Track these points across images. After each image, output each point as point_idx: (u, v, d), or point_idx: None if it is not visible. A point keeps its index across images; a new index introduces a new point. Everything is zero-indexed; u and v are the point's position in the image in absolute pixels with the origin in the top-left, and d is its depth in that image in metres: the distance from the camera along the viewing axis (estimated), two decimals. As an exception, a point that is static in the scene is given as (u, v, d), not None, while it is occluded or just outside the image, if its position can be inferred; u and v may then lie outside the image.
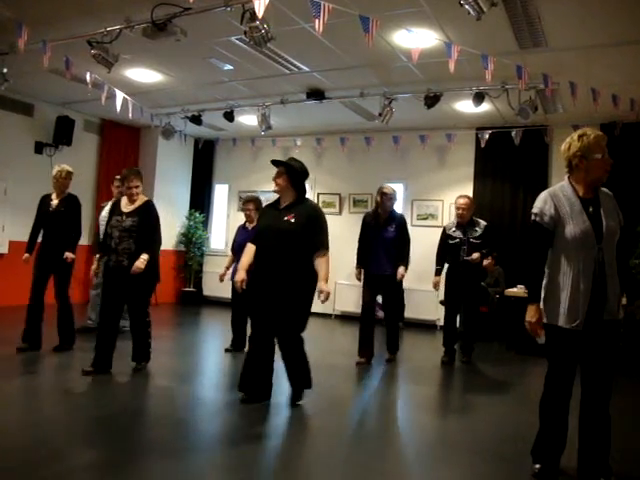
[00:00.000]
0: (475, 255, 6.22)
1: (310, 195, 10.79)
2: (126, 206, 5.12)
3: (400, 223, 6.22)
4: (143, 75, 7.55)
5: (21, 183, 8.47)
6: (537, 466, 3.12)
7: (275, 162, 4.39)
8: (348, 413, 4.48)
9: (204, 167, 11.51)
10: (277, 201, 4.46)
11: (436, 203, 9.62)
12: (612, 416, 3.03)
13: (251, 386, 4.34)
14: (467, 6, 4.24)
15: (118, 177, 7.02)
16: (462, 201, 6.44)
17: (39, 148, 9.11)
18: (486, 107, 7.60)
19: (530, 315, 3.06)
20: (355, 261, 6.37)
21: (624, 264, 3.14)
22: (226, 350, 6.39)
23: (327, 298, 4.11)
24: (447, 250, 6.45)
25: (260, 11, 4.23)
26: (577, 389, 3.08)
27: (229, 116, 8.56)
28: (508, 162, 8.93)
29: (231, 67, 7.02)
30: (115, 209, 5.18)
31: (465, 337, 6.55)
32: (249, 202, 6.52)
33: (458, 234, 6.40)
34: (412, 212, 9.77)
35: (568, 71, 6.15)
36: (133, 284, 4.97)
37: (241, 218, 11.31)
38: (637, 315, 3.12)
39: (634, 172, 7.86)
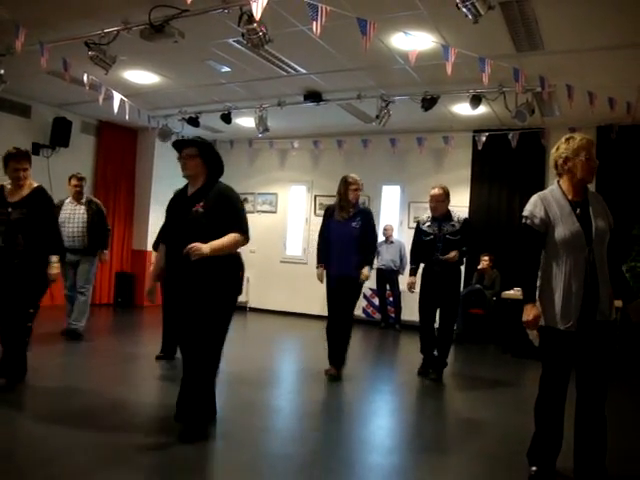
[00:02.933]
0: (452, 253, 5.54)
1: (307, 197, 10.82)
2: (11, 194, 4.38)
3: (366, 217, 5.52)
4: (140, 77, 7.55)
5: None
6: (533, 468, 3.12)
7: (182, 142, 3.69)
8: (337, 417, 4.48)
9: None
10: (185, 188, 3.76)
11: (433, 205, 9.61)
12: (608, 417, 3.03)
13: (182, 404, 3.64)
14: (464, 9, 4.25)
15: (76, 175, 6.90)
16: (435, 192, 5.73)
17: (36, 149, 9.08)
18: (483, 110, 7.61)
19: (527, 314, 3.06)
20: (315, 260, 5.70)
21: (617, 266, 3.18)
22: (157, 357, 5.80)
23: (193, 253, 3.29)
24: (421, 247, 5.78)
25: (258, 13, 4.23)
26: (573, 391, 3.08)
27: (226, 118, 8.56)
28: (505, 165, 8.94)
29: (228, 69, 7.02)
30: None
31: (439, 349, 5.75)
32: None
33: (433, 229, 5.71)
34: (409, 215, 9.79)
35: (565, 74, 6.17)
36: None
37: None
38: (632, 317, 3.10)
39: (630, 175, 7.88)
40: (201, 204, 3.51)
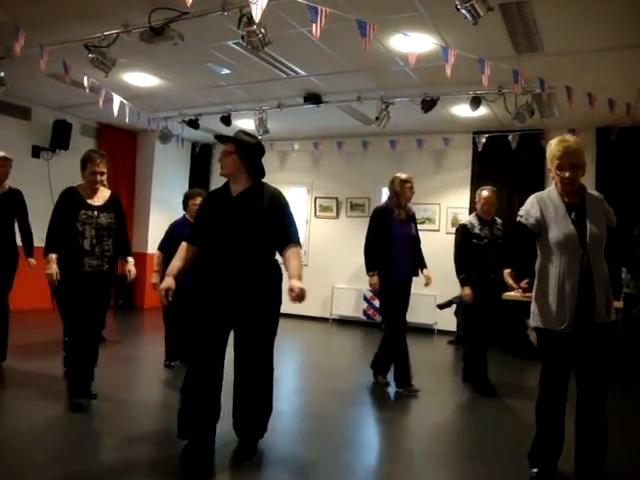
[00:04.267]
0: (467, 292, 5.27)
1: (307, 199, 10.82)
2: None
3: (415, 219, 5.47)
4: (140, 79, 7.55)
5: (18, 187, 8.45)
6: (534, 470, 3.12)
7: (220, 137, 3.53)
8: (337, 420, 4.47)
9: (201, 171, 11.47)
10: (226, 188, 3.52)
11: (433, 207, 9.62)
12: (609, 418, 3.03)
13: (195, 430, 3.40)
14: (464, 11, 4.25)
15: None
16: (487, 194, 5.50)
17: (36, 152, 9.10)
18: (483, 111, 7.62)
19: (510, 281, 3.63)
20: (365, 266, 5.28)
21: (618, 268, 3.21)
22: (166, 365, 5.76)
23: (300, 298, 3.21)
24: (474, 253, 5.34)
25: (257, 15, 4.24)
26: (575, 392, 3.08)
27: (226, 120, 8.56)
28: (505, 166, 8.94)
29: (228, 71, 7.03)
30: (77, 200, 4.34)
31: (468, 354, 5.63)
32: (197, 196, 5.63)
33: (486, 233, 5.41)
34: (409, 216, 9.78)
35: (564, 75, 6.17)
36: None
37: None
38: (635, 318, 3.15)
39: (630, 176, 7.88)
40: (255, 207, 3.36)
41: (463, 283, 5.31)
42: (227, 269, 3.33)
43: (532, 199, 3.18)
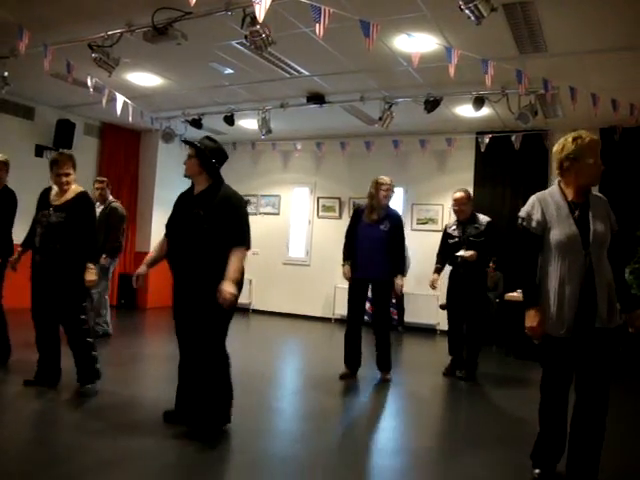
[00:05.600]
0: (469, 252, 5.70)
1: (310, 199, 10.83)
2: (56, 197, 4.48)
3: (395, 220, 5.55)
4: (144, 79, 7.56)
5: (21, 186, 8.44)
6: (537, 471, 3.11)
7: (184, 142, 3.97)
8: (340, 419, 4.47)
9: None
10: (192, 187, 3.82)
11: (436, 207, 9.62)
12: (611, 424, 2.99)
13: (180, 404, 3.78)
14: (467, 11, 4.25)
15: (98, 178, 7.18)
16: (457, 195, 5.89)
17: (39, 151, 9.12)
18: (486, 111, 7.61)
19: (530, 320, 2.93)
20: (342, 258, 5.67)
21: (619, 271, 3.04)
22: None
23: (225, 301, 3.38)
24: (447, 250, 5.97)
25: (261, 15, 4.24)
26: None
27: (229, 120, 8.56)
28: (508, 166, 8.94)
29: (231, 71, 7.03)
30: (44, 200, 4.51)
31: (467, 351, 5.99)
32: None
33: (457, 232, 5.91)
34: (412, 216, 9.78)
35: (568, 76, 6.16)
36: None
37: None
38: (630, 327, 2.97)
39: (633, 176, 7.87)
40: (203, 207, 3.55)
41: (434, 271, 6.07)
42: (176, 262, 3.66)
43: (532, 200, 3.05)
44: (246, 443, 3.60)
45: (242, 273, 3.62)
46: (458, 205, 5.88)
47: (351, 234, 5.62)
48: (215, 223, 3.51)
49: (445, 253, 6.03)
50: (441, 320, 9.11)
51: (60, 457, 3.17)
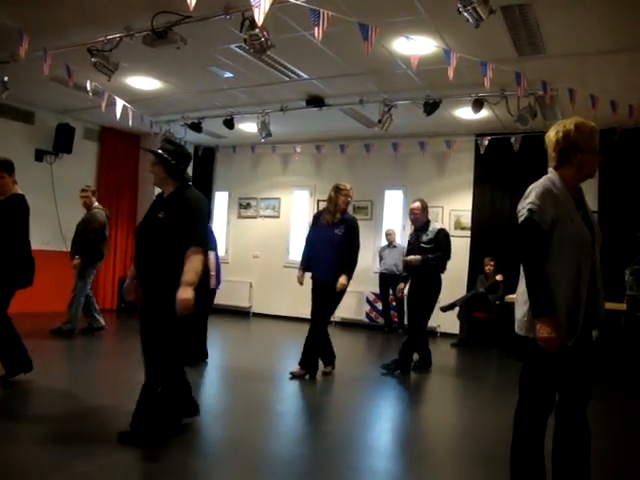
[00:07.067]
0: (410, 257, 6.04)
1: (310, 202, 10.83)
2: None
3: (350, 225, 5.62)
4: (143, 83, 7.57)
5: (21, 190, 8.50)
6: None
7: (148, 151, 3.80)
8: (339, 421, 4.47)
9: (204, 174, 11.48)
10: (161, 193, 3.77)
11: (436, 209, 9.59)
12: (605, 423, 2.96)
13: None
14: (466, 14, 4.26)
15: (83, 187, 7.50)
16: (413, 205, 6.20)
17: (39, 156, 9.13)
18: (485, 114, 7.62)
19: (547, 330, 2.44)
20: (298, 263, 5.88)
21: (620, 271, 2.85)
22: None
23: (184, 311, 3.31)
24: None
25: (260, 19, 4.24)
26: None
27: (229, 123, 8.58)
28: (507, 168, 8.94)
29: (231, 75, 7.05)
30: None
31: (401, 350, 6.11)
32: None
33: (411, 239, 6.31)
34: (412, 219, 9.78)
35: (566, 78, 6.17)
36: None
37: (242, 225, 11.39)
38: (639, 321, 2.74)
39: (633, 177, 7.87)
40: (165, 210, 3.52)
41: (400, 279, 6.59)
42: (138, 266, 3.63)
43: (540, 190, 2.60)
44: (246, 445, 3.59)
45: (203, 273, 3.53)
46: (413, 214, 6.20)
47: (308, 239, 5.82)
48: (174, 226, 3.45)
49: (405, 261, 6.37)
50: (442, 322, 9.12)
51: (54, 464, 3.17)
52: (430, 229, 6.13)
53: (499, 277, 8.41)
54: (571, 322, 2.51)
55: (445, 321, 9.02)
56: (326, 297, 5.59)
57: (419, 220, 6.20)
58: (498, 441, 3.93)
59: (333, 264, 5.50)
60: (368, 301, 9.81)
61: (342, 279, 5.45)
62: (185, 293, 3.29)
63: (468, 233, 9.28)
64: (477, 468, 3.44)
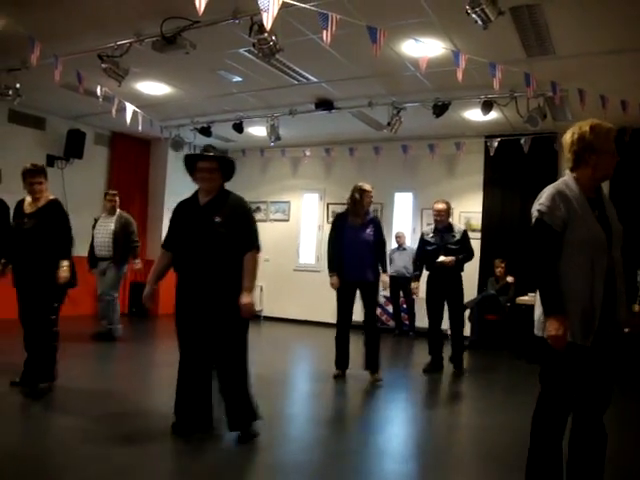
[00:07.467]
0: (448, 259, 6.11)
1: (320, 205, 10.84)
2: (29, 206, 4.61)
3: (377, 224, 5.82)
4: (153, 88, 7.62)
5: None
6: None
7: (206, 156, 3.70)
8: (351, 425, 4.46)
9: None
10: (195, 197, 3.76)
11: (446, 212, 9.59)
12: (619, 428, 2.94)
13: (187, 413, 3.71)
14: (474, 15, 4.25)
15: (111, 192, 7.65)
16: (440, 207, 6.31)
17: (50, 161, 9.20)
18: (495, 115, 7.60)
19: (556, 329, 2.49)
20: (327, 268, 5.75)
21: (631, 274, 2.84)
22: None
23: (248, 314, 3.55)
24: (424, 256, 6.35)
25: (268, 23, 4.25)
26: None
27: (238, 127, 8.61)
28: (517, 170, 8.91)
29: (240, 79, 7.07)
30: (18, 210, 4.65)
31: (454, 348, 6.45)
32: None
33: (435, 240, 6.29)
34: (422, 221, 9.76)
35: (576, 78, 6.14)
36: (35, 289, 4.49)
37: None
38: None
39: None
40: (219, 214, 3.57)
41: (413, 279, 6.58)
42: (193, 272, 3.63)
43: (551, 192, 2.64)
44: (259, 449, 3.60)
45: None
46: (439, 215, 6.31)
47: (336, 242, 5.73)
48: (231, 228, 3.56)
49: (422, 260, 6.42)
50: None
51: (75, 465, 3.19)
52: (456, 230, 6.35)
53: (510, 279, 8.38)
54: (586, 323, 2.52)
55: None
56: (369, 297, 5.69)
57: (444, 221, 6.33)
58: (511, 443, 3.92)
59: (372, 264, 5.65)
60: (379, 304, 9.79)
61: (385, 277, 5.77)
62: (248, 298, 3.52)
63: (478, 235, 9.24)
64: (490, 470, 3.41)
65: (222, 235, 3.54)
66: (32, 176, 4.55)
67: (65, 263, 4.53)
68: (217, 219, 3.55)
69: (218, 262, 3.56)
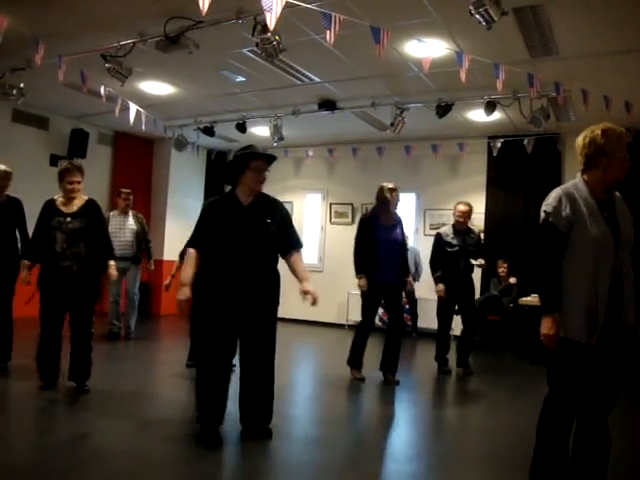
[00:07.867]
0: (484, 262, 6.29)
1: (323, 205, 10.85)
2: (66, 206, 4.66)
3: (402, 224, 5.87)
4: (156, 88, 7.63)
5: (36, 195, 8.54)
6: None
7: (268, 156, 3.79)
8: (355, 425, 4.46)
9: (217, 178, 11.48)
10: (233, 197, 3.75)
11: (449, 212, 9.46)
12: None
13: (214, 419, 3.67)
14: (477, 15, 4.25)
15: (125, 190, 7.71)
16: (463, 208, 6.31)
17: (54, 161, 9.21)
18: (498, 116, 7.58)
19: (548, 327, 2.59)
20: (355, 270, 5.69)
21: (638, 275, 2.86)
22: (187, 365, 5.82)
23: (316, 300, 3.73)
24: (444, 257, 6.23)
25: (271, 23, 4.26)
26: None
27: (241, 127, 8.61)
28: (520, 170, 8.89)
29: (243, 79, 7.08)
30: (52, 209, 4.66)
31: (461, 349, 6.48)
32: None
33: (457, 241, 6.24)
34: (424, 222, 9.76)
35: (580, 79, 6.13)
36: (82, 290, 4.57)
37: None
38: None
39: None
40: (268, 215, 3.69)
41: (437, 281, 6.24)
42: (243, 273, 3.62)
43: (558, 193, 2.69)
44: (262, 449, 3.60)
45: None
46: (463, 217, 6.30)
47: (369, 243, 5.60)
48: (280, 229, 3.72)
49: (442, 261, 6.26)
50: (454, 326, 9.04)
51: (100, 458, 3.20)
52: (475, 232, 6.45)
53: (512, 280, 8.37)
54: (590, 321, 2.56)
55: (457, 324, 8.96)
56: (397, 299, 5.75)
57: (465, 223, 6.35)
58: (515, 443, 3.92)
59: (402, 265, 5.70)
60: (382, 305, 9.77)
61: (411, 279, 5.91)
62: (312, 286, 3.76)
63: (481, 236, 9.21)
64: (495, 470, 3.42)
65: (274, 236, 3.67)
66: (72, 175, 4.62)
67: (112, 262, 4.73)
68: (268, 220, 3.65)
69: (268, 261, 3.72)
